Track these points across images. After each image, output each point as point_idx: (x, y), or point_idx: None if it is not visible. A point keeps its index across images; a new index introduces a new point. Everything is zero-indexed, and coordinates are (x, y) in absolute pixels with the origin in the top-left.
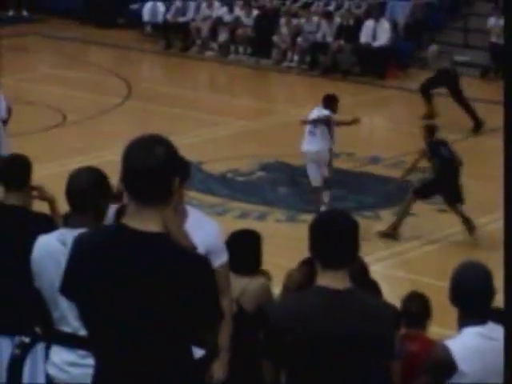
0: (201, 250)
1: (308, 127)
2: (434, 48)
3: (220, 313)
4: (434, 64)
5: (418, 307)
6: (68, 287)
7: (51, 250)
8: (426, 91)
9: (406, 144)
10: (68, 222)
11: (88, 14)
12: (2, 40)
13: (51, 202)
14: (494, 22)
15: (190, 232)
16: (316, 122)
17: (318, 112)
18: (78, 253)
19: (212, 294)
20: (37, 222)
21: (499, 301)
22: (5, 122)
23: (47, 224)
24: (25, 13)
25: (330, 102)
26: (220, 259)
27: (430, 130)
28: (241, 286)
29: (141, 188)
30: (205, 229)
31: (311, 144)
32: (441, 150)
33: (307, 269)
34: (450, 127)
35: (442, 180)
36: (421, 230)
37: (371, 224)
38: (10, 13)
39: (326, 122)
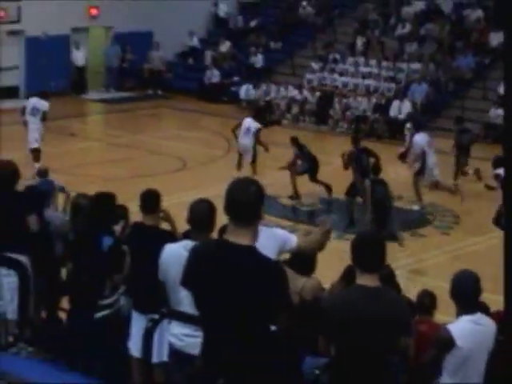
0: (280, 247)
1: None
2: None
3: (289, 304)
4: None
5: (427, 300)
6: (186, 281)
7: (177, 255)
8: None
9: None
10: (189, 236)
11: (202, 92)
12: (143, 110)
13: (172, 222)
14: (494, 112)
15: (266, 241)
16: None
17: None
18: (194, 257)
19: (286, 290)
20: (164, 236)
21: (486, 298)
22: None
23: (171, 238)
24: (159, 92)
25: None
26: (294, 241)
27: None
28: (301, 283)
29: (238, 214)
30: (273, 235)
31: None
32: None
33: (343, 284)
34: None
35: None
36: (429, 246)
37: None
38: (149, 92)
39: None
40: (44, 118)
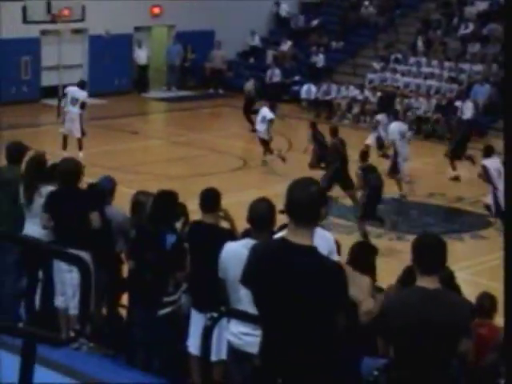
0: (329, 253)
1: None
2: (250, 82)
3: (347, 304)
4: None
5: (488, 303)
6: (246, 279)
7: (237, 253)
8: (247, 110)
9: (483, 188)
10: (250, 235)
11: (263, 92)
12: (205, 109)
13: (232, 221)
14: None
15: (320, 240)
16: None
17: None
18: (255, 256)
19: (346, 291)
20: (224, 235)
21: None
22: None
23: (230, 236)
24: (220, 91)
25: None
26: (336, 256)
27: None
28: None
29: (299, 213)
30: (326, 238)
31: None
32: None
33: (402, 285)
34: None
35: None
36: (490, 248)
37: (456, 243)
38: (211, 90)
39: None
40: (82, 106)
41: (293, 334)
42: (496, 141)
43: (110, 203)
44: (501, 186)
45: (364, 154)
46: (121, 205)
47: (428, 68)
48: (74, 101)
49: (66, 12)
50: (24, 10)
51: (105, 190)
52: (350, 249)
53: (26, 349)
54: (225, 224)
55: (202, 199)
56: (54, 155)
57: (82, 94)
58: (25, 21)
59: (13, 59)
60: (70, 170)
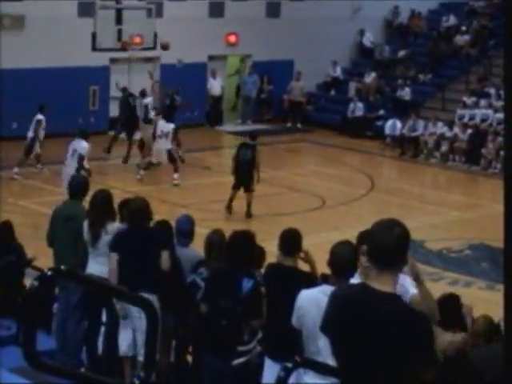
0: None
1: None
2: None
3: (433, 360)
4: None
5: None
6: (326, 326)
7: (316, 300)
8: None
9: None
10: (328, 280)
11: (344, 127)
12: (282, 144)
13: (313, 264)
14: None
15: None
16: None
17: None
18: (335, 302)
19: (432, 344)
20: (304, 279)
21: None
22: None
23: (311, 281)
24: (299, 125)
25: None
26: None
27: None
28: (446, 341)
29: (383, 258)
30: (402, 284)
31: None
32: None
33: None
34: None
35: None
36: None
37: None
38: (288, 125)
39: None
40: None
41: None
42: None
43: (187, 245)
44: None
45: (253, 135)
46: (192, 245)
47: None
48: (74, 152)
49: (137, 39)
50: (93, 36)
51: (182, 230)
52: (439, 299)
53: None
54: (305, 266)
55: (281, 240)
56: (124, 191)
57: (82, 146)
58: (94, 48)
59: (80, 88)
60: (140, 208)
